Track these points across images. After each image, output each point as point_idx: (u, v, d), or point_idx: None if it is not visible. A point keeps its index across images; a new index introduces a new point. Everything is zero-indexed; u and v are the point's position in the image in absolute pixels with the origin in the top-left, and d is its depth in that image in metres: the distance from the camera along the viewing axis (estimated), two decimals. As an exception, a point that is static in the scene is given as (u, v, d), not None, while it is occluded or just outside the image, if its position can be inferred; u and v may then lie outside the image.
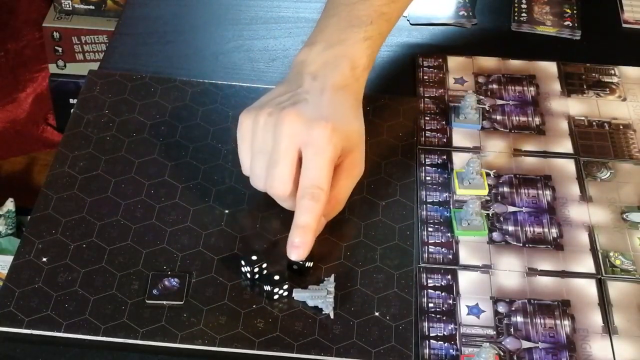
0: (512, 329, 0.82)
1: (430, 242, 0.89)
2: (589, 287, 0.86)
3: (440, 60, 1.10)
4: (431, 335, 0.81)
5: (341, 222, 0.89)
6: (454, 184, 0.94)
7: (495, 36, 1.16)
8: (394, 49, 1.12)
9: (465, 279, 0.86)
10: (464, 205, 0.90)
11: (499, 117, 1.03)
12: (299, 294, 0.83)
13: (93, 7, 2.03)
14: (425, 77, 1.07)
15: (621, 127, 1.02)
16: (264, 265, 0.84)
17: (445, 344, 0.80)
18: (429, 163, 0.97)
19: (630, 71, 1.09)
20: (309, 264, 0.85)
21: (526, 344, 0.81)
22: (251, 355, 0.79)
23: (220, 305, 0.82)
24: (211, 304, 0.82)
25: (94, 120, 0.99)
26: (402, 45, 1.13)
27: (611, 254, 0.89)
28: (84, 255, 0.86)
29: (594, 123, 1.02)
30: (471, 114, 1.01)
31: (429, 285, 0.85)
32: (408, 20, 1.17)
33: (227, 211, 0.91)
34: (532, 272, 0.87)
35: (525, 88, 1.06)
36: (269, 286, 0.82)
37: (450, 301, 0.84)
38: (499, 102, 1.04)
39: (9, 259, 0.89)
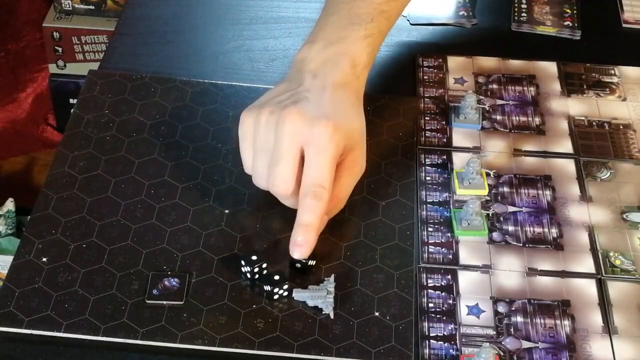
0: (512, 329, 0.82)
1: (430, 242, 0.89)
2: (589, 287, 0.86)
3: (440, 60, 1.10)
4: (431, 335, 0.81)
5: (341, 222, 0.89)
6: (454, 184, 0.94)
7: (495, 36, 1.16)
8: (394, 49, 1.12)
9: (465, 279, 0.86)
10: (464, 205, 0.90)
11: (499, 117, 1.03)
12: (299, 294, 0.83)
13: (93, 7, 2.03)
14: (425, 77, 1.07)
15: (621, 127, 1.02)
16: (264, 265, 0.84)
17: (445, 344, 0.80)
18: (429, 163, 0.97)
19: (630, 71, 1.09)
20: (312, 262, 0.85)
21: (526, 344, 0.81)
22: (251, 355, 0.79)
23: (220, 305, 0.82)
24: (211, 304, 0.82)
25: (94, 120, 0.99)
26: (402, 45, 1.13)
27: (611, 254, 0.89)
28: (84, 255, 0.86)
29: (594, 123, 1.02)
30: (471, 114, 1.01)
31: (429, 285, 0.85)
32: (408, 20, 1.17)
33: (227, 211, 0.91)
34: (532, 272, 0.87)
35: (525, 88, 1.06)
36: (269, 286, 0.82)
37: (450, 301, 0.84)
38: (499, 102, 1.04)
39: (9, 259, 0.89)
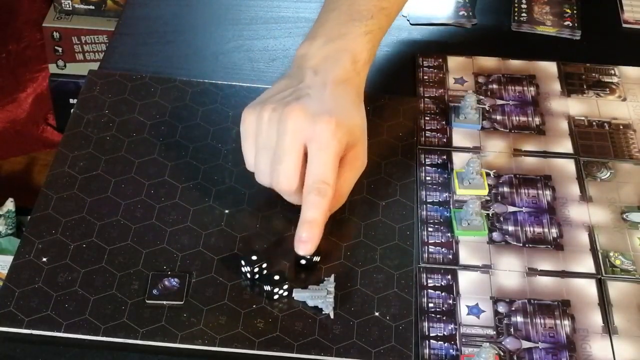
0: (512, 329, 0.82)
1: (430, 242, 0.89)
2: (589, 287, 0.86)
3: (440, 60, 1.10)
4: (431, 335, 0.81)
5: (341, 222, 0.89)
6: (454, 184, 0.94)
7: (495, 36, 1.16)
8: (394, 49, 1.12)
9: (465, 279, 0.86)
10: (464, 205, 0.90)
11: (499, 117, 1.03)
12: (299, 294, 0.83)
13: (93, 7, 2.03)
14: (425, 77, 1.07)
15: (621, 127, 1.02)
16: (264, 265, 0.84)
17: (445, 344, 0.80)
18: (429, 163, 0.97)
19: (630, 71, 1.09)
20: (317, 258, 0.85)
21: (526, 344, 0.81)
22: (251, 355, 0.79)
23: (220, 305, 0.82)
24: (211, 304, 0.82)
25: (94, 120, 0.99)
26: (402, 45, 1.13)
27: (611, 254, 0.89)
28: (84, 255, 0.86)
29: (594, 123, 1.02)
30: (471, 114, 1.01)
31: (429, 285, 0.85)
32: (408, 20, 1.17)
33: (227, 211, 0.91)
34: (532, 272, 0.87)
35: (525, 88, 1.06)
36: (269, 286, 0.82)
37: (450, 301, 0.84)
38: (499, 102, 1.04)
39: (9, 259, 0.89)
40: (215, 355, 0.79)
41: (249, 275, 0.84)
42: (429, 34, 1.15)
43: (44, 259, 0.85)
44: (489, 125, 1.02)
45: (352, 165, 0.88)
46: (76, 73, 2.05)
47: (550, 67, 1.09)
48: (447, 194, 0.94)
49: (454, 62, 1.10)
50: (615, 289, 0.86)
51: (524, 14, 1.18)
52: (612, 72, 1.09)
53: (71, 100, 2.04)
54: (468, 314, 0.83)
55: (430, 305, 0.84)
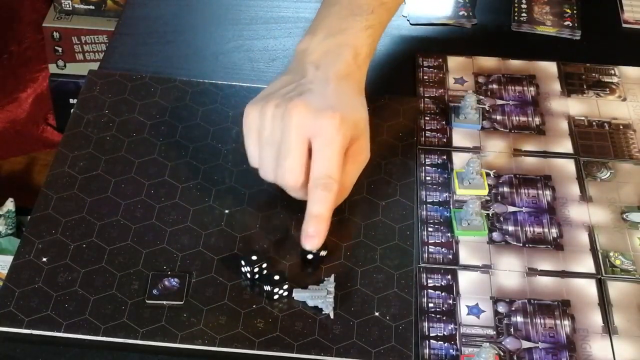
0: (512, 329, 0.82)
1: (430, 242, 0.89)
2: (589, 287, 0.86)
3: (440, 60, 1.10)
4: (431, 335, 0.81)
5: (341, 222, 0.89)
6: (454, 184, 0.94)
7: (495, 36, 1.16)
8: (394, 49, 1.12)
9: (465, 279, 0.86)
10: (464, 205, 0.90)
11: (499, 117, 1.03)
12: (299, 294, 0.83)
13: (93, 7, 2.03)
14: (425, 77, 1.07)
15: (621, 127, 1.02)
16: (264, 265, 0.84)
17: (445, 344, 0.80)
18: (429, 163, 0.97)
19: (630, 71, 1.09)
20: (323, 253, 0.86)
21: (526, 344, 0.81)
22: (251, 355, 0.79)
23: (220, 305, 0.82)
24: (211, 304, 0.82)
25: (94, 120, 0.99)
26: (402, 45, 1.13)
27: (611, 254, 0.89)
28: (84, 255, 0.86)
29: (594, 123, 1.02)
30: (471, 114, 1.01)
31: (429, 285, 0.85)
32: (408, 20, 1.17)
33: (227, 211, 0.91)
34: (532, 272, 0.87)
35: (525, 88, 1.06)
36: (269, 286, 0.82)
37: (450, 301, 0.84)
38: (499, 102, 1.04)
39: (9, 259, 0.89)
40: (215, 355, 0.79)
41: (249, 275, 0.84)
42: (429, 34, 1.15)
43: (44, 259, 0.85)
44: (489, 125, 1.02)
45: (355, 158, 0.88)
46: (76, 73, 2.05)
47: (550, 67, 1.09)
48: (447, 194, 0.94)
49: (454, 62, 1.10)
50: (615, 289, 0.86)
51: (524, 14, 1.18)
52: (612, 72, 1.09)
53: (71, 100, 2.04)
54: (468, 314, 0.83)
55: (430, 305, 0.84)
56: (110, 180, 0.93)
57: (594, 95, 1.06)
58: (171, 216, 0.90)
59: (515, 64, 1.10)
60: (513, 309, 0.83)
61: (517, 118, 1.02)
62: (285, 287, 0.83)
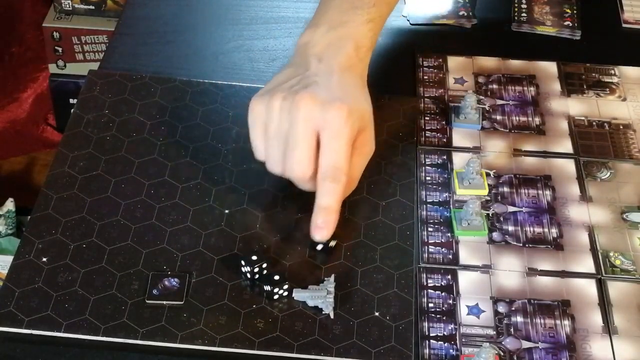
0: (512, 329, 0.82)
1: (430, 242, 0.89)
2: (589, 287, 0.86)
3: (440, 60, 1.10)
4: (431, 335, 0.81)
5: (341, 222, 0.89)
6: (454, 184, 0.94)
7: (495, 36, 1.16)
8: (394, 49, 1.12)
9: (465, 279, 0.86)
10: (464, 205, 0.90)
11: (499, 117, 1.02)
12: (299, 294, 0.83)
13: (93, 7, 2.03)
14: (425, 77, 1.07)
15: (621, 127, 1.02)
16: (264, 265, 0.84)
17: (445, 344, 0.80)
18: (429, 163, 0.97)
19: (630, 71, 1.09)
20: (333, 243, 0.86)
21: (526, 344, 0.81)
22: (251, 355, 0.79)
23: (220, 305, 0.82)
24: (211, 304, 0.82)
25: (94, 120, 0.99)
26: (402, 45, 1.13)
27: (611, 254, 0.89)
28: (84, 255, 0.86)
29: (594, 123, 1.02)
30: (471, 114, 1.01)
31: (429, 285, 0.85)
32: (408, 20, 1.17)
33: (227, 211, 0.91)
34: (532, 272, 0.87)
35: (525, 88, 1.06)
36: (269, 286, 0.82)
37: (450, 301, 0.84)
38: (499, 102, 1.04)
39: (9, 259, 0.89)
40: (215, 355, 0.79)
41: (249, 275, 0.84)
42: (429, 34, 1.15)
43: (44, 259, 0.85)
44: (489, 125, 1.02)
45: (361, 150, 0.89)
46: (76, 73, 2.05)
47: (550, 67, 1.09)
48: (447, 194, 0.94)
49: (454, 62, 1.10)
50: (615, 289, 0.86)
51: (524, 14, 1.18)
52: (612, 72, 1.09)
53: (71, 100, 2.04)
54: (468, 314, 0.83)
55: (430, 305, 0.84)
56: (110, 180, 0.93)
57: (594, 95, 1.06)
58: (171, 216, 0.90)
59: (515, 64, 1.10)
60: (513, 309, 0.83)
61: (517, 118, 1.02)
62: (285, 287, 0.83)
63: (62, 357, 0.79)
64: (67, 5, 2.02)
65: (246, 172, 0.94)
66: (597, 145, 1.00)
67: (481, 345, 0.78)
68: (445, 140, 1.00)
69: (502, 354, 0.80)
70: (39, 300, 0.82)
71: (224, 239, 0.88)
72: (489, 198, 0.93)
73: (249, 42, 1.13)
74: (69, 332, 0.80)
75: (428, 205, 0.93)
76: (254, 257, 0.84)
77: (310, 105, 0.85)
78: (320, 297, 0.82)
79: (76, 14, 2.04)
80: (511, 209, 0.92)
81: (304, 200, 0.89)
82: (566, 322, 0.83)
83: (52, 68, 2.07)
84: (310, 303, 0.82)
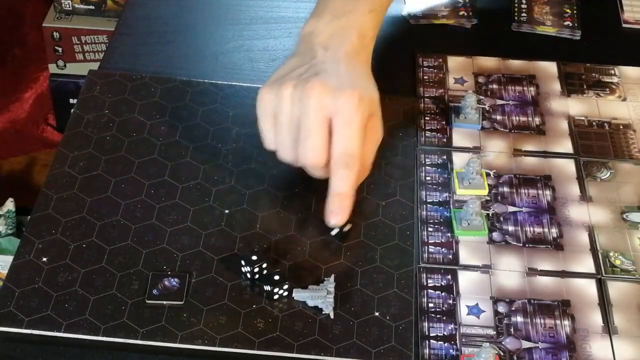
0: (512, 329, 0.82)
1: (430, 242, 0.89)
2: (589, 287, 0.86)
3: (440, 60, 1.10)
4: (431, 335, 0.81)
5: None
6: (454, 184, 0.94)
7: (495, 36, 1.16)
8: (394, 49, 1.12)
9: (465, 279, 0.86)
10: (464, 205, 0.90)
11: (499, 117, 1.02)
12: (299, 294, 0.83)
13: (93, 7, 2.03)
14: (425, 77, 1.07)
15: (621, 127, 1.02)
16: (264, 265, 0.84)
17: (445, 344, 0.80)
18: (429, 163, 0.97)
19: (630, 71, 1.09)
20: (347, 228, 0.87)
21: (526, 344, 0.81)
22: (251, 355, 0.79)
23: (220, 305, 0.82)
24: (211, 304, 0.82)
25: (94, 120, 0.99)
26: (402, 45, 1.13)
27: (611, 254, 0.89)
28: (84, 255, 0.86)
29: (594, 123, 1.02)
30: (471, 114, 1.01)
31: (429, 285, 0.85)
32: (408, 20, 1.17)
33: (227, 211, 0.91)
34: (532, 272, 0.87)
35: (525, 88, 1.06)
36: (269, 286, 0.82)
37: (450, 301, 0.84)
38: (499, 102, 1.04)
39: (9, 259, 0.89)
40: (215, 355, 0.79)
41: (249, 275, 0.84)
42: (429, 34, 1.15)
43: (44, 259, 0.85)
44: (489, 125, 1.02)
45: (370, 137, 0.89)
46: (76, 73, 2.05)
47: (550, 67, 1.09)
48: (447, 194, 0.94)
49: (454, 62, 1.10)
50: (615, 289, 0.86)
51: (524, 14, 1.18)
52: (612, 72, 1.09)
53: (71, 100, 2.04)
54: (468, 314, 0.83)
55: (430, 305, 0.84)
56: (110, 180, 0.93)
57: (594, 95, 1.06)
58: (171, 216, 0.90)
59: (515, 64, 1.10)
60: (513, 309, 0.83)
61: (517, 118, 1.02)
62: (285, 287, 0.83)
63: (62, 357, 0.79)
64: (67, 5, 2.02)
65: (246, 172, 0.94)
66: (597, 145, 1.00)
67: (481, 345, 0.78)
68: (445, 140, 1.00)
69: (502, 354, 0.80)
70: (39, 300, 0.82)
71: (224, 239, 0.88)
72: (489, 198, 0.93)
73: (249, 42, 1.13)
74: (69, 332, 0.80)
75: (428, 205, 0.93)
76: (254, 257, 0.84)
77: (322, 93, 0.85)
78: (320, 297, 0.82)
79: (76, 14, 2.04)
80: (511, 209, 0.92)
81: (304, 201, 0.90)
82: (566, 322, 0.83)
83: (52, 68, 2.07)
84: (310, 303, 0.82)
